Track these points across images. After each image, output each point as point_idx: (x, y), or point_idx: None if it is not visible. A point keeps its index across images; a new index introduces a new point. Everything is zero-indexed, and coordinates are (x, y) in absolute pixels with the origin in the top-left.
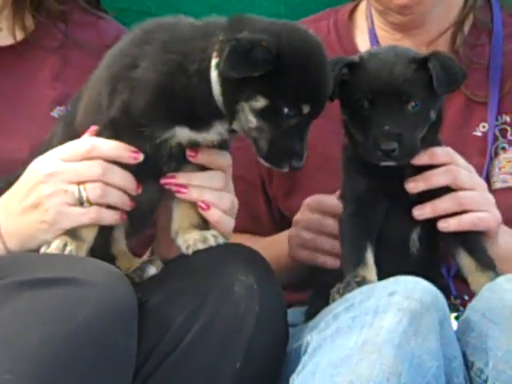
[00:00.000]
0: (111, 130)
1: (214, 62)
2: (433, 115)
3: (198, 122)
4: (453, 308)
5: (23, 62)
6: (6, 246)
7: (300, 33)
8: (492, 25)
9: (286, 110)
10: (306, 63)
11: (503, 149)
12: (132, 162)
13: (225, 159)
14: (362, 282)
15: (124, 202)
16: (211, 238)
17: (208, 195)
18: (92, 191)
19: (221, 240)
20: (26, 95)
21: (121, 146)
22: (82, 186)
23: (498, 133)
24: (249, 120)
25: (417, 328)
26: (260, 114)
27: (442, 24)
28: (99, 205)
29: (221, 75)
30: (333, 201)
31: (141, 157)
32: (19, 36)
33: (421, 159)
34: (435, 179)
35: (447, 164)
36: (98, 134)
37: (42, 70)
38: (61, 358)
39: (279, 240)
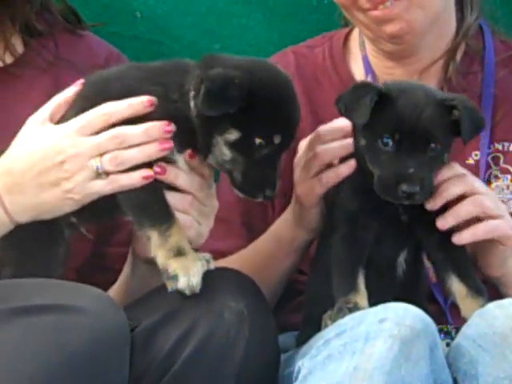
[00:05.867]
0: None
1: (191, 98)
2: (446, 158)
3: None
4: (448, 336)
5: (15, 82)
6: (14, 219)
7: (269, 68)
8: (484, 52)
9: (257, 141)
10: (275, 96)
11: (496, 177)
12: (148, 107)
13: (191, 184)
14: (354, 308)
15: (150, 153)
16: (204, 263)
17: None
18: (109, 163)
19: (212, 265)
20: (19, 115)
21: (133, 102)
22: (99, 160)
23: (490, 161)
24: (223, 153)
25: (407, 355)
26: (233, 146)
27: (434, 52)
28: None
29: (197, 112)
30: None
31: (154, 100)
32: (8, 60)
33: (448, 222)
34: (464, 213)
35: (467, 192)
36: None
37: (34, 91)
38: None
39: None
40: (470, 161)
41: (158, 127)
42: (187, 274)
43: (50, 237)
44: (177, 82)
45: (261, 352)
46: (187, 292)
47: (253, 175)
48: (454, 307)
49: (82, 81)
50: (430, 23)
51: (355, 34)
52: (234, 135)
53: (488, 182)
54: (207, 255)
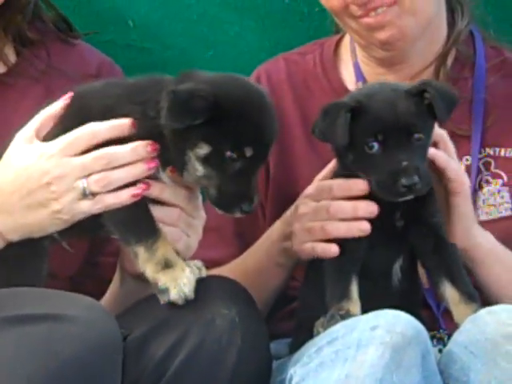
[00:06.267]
0: None
1: None
2: (430, 142)
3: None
4: (440, 342)
5: (8, 92)
6: (6, 239)
7: (241, 83)
8: (475, 58)
9: (228, 154)
10: (245, 108)
11: (487, 182)
12: (130, 128)
13: (176, 197)
14: (346, 315)
15: (137, 174)
16: (195, 271)
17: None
18: (96, 184)
19: (204, 273)
20: (12, 125)
21: (117, 123)
22: (85, 181)
23: (481, 166)
24: (196, 169)
25: (399, 362)
26: (205, 161)
27: (425, 58)
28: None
29: (166, 128)
30: (333, 183)
31: (135, 121)
32: (1, 69)
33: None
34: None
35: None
36: None
37: (26, 100)
38: None
39: (261, 246)
40: (462, 165)
41: (143, 146)
42: (177, 285)
43: (34, 253)
44: (153, 98)
45: (253, 359)
46: (180, 302)
47: (228, 190)
48: (447, 313)
49: (69, 95)
50: (422, 29)
51: (346, 40)
52: (204, 149)
53: (479, 187)
54: (198, 263)
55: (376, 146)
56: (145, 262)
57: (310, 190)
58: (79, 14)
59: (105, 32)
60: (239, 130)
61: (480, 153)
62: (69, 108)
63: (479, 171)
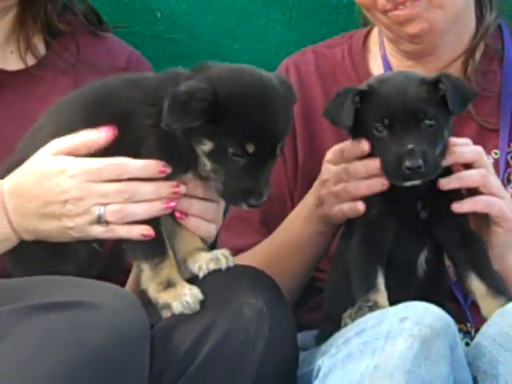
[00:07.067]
0: None
1: None
2: (446, 135)
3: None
4: (468, 335)
5: (36, 84)
6: (20, 237)
7: (247, 76)
8: (503, 52)
9: (230, 150)
10: (246, 105)
11: None
12: (161, 176)
13: (207, 191)
14: (374, 306)
15: (153, 212)
16: (223, 259)
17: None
18: (112, 215)
19: (231, 262)
20: (39, 117)
21: (149, 165)
22: (102, 209)
23: (510, 160)
24: (204, 163)
25: (427, 354)
26: (210, 156)
27: (453, 52)
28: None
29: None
30: (352, 146)
31: (168, 170)
32: (30, 61)
33: (451, 183)
34: (467, 180)
35: (477, 163)
36: None
37: (54, 93)
38: (73, 383)
39: (293, 218)
40: (490, 159)
41: (167, 187)
42: (179, 299)
43: (59, 254)
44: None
45: (280, 349)
46: (187, 311)
47: (234, 185)
48: (474, 306)
49: (114, 130)
50: (451, 23)
51: (374, 33)
52: (207, 146)
53: (507, 181)
54: (226, 252)
55: (383, 129)
56: (148, 280)
57: (328, 155)
58: (108, 5)
59: (133, 23)
60: (240, 126)
61: (508, 146)
62: (91, 108)
63: (508, 165)
